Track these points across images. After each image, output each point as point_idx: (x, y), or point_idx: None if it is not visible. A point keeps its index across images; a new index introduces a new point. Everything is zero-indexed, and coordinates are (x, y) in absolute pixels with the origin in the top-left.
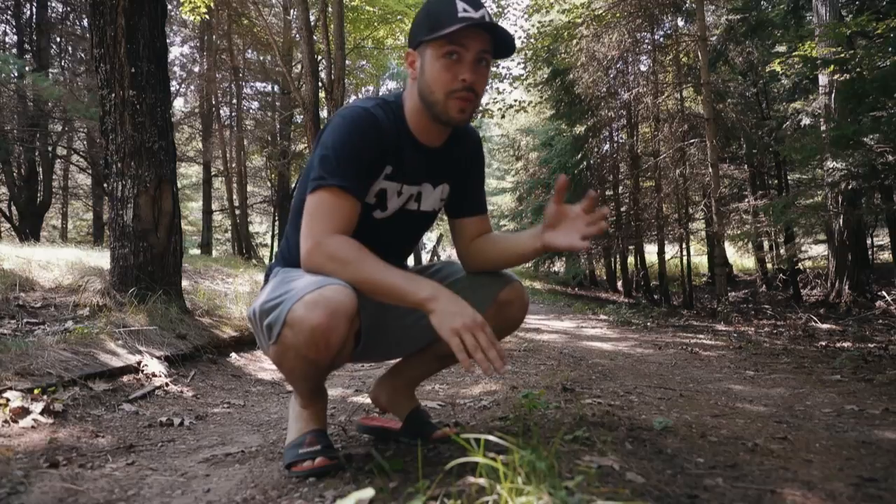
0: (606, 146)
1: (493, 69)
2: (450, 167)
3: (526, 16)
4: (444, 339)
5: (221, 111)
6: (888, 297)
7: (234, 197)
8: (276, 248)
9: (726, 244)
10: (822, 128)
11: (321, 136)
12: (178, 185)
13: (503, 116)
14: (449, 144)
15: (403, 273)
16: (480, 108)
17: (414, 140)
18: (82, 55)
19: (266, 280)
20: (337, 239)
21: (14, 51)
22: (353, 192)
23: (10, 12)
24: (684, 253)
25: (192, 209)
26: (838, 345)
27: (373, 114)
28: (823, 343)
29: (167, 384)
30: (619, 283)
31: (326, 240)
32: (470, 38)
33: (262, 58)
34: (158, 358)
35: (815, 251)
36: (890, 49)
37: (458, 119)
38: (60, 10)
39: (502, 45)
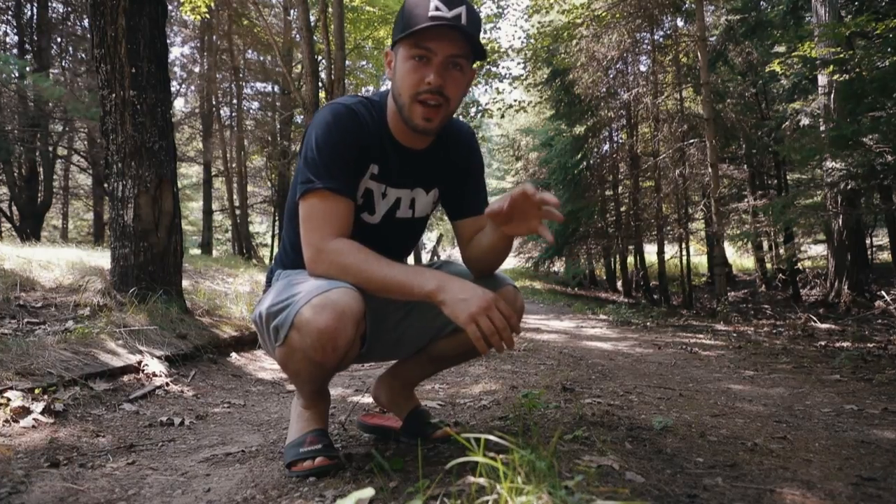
0: (606, 146)
1: (493, 69)
2: (440, 171)
3: (526, 16)
4: (462, 327)
5: (222, 111)
6: (887, 297)
7: (235, 197)
8: (275, 248)
9: (726, 244)
10: (822, 128)
11: (305, 135)
12: (179, 185)
13: (503, 116)
14: (435, 147)
15: (407, 268)
16: (480, 108)
17: (396, 142)
18: (83, 55)
19: (268, 283)
20: (336, 243)
21: (15, 51)
22: (342, 193)
23: (10, 13)
24: (684, 253)
25: (193, 209)
26: (837, 344)
27: (353, 110)
28: (823, 343)
29: (167, 384)
30: (619, 283)
31: (326, 246)
32: (439, 40)
33: (262, 58)
34: (159, 358)
35: (814, 251)
36: (889, 49)
37: (422, 127)
38: (61, 10)
39: (478, 48)
